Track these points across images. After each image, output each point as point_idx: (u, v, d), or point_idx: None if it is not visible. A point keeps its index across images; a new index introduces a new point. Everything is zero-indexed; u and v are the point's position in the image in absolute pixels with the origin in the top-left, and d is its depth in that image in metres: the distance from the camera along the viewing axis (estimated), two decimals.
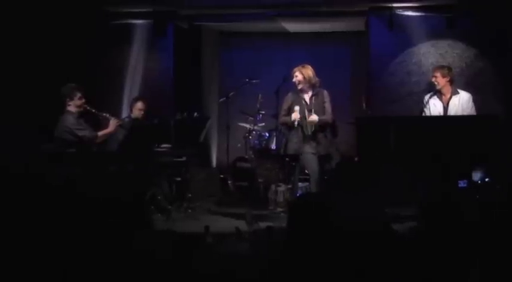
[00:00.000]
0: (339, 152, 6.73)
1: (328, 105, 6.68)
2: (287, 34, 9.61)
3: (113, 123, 6.82)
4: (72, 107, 6.63)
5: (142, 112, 7.54)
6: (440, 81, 6.66)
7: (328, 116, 6.66)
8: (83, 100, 6.66)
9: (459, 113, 6.54)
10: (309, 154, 6.57)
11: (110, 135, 7.00)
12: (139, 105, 7.57)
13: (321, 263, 2.99)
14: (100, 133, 6.75)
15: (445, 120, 6.47)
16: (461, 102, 6.58)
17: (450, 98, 6.62)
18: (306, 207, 3.28)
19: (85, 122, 6.73)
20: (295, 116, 6.52)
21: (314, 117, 6.55)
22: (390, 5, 7.82)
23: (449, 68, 6.85)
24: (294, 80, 6.67)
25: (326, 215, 3.19)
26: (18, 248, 3.54)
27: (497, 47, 7.65)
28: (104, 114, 6.83)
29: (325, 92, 6.71)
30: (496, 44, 7.64)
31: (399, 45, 8.00)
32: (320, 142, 6.61)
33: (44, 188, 4.84)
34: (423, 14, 7.81)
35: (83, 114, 6.72)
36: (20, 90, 7.21)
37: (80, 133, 6.55)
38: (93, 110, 6.73)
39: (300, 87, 6.66)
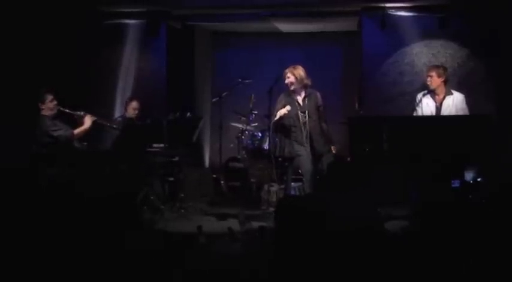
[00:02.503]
0: (332, 152, 6.75)
1: (323, 109, 6.70)
2: (280, 34, 9.60)
3: (87, 120, 6.81)
4: (46, 110, 6.66)
5: (137, 111, 7.57)
6: (435, 81, 6.64)
7: (326, 124, 6.74)
8: (55, 102, 6.68)
9: (453, 113, 6.53)
10: (303, 155, 6.55)
11: (103, 135, 7.00)
12: (134, 104, 7.59)
13: (311, 262, 3.00)
14: (76, 131, 6.75)
15: (437, 120, 6.47)
16: (455, 103, 6.57)
17: (444, 98, 6.61)
18: (292, 209, 3.29)
19: (61, 122, 6.74)
20: (283, 111, 6.50)
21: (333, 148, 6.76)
22: (383, 5, 7.83)
23: (445, 68, 6.83)
24: (286, 81, 6.62)
25: (313, 216, 3.19)
26: (11, 249, 3.54)
27: (489, 47, 7.66)
28: (78, 113, 6.84)
29: (318, 94, 6.69)
30: (488, 44, 7.66)
31: (392, 45, 8.02)
32: (314, 143, 6.61)
33: (36, 188, 4.83)
34: (416, 14, 7.82)
35: (58, 115, 6.73)
36: (13, 90, 7.20)
37: (56, 133, 6.58)
38: (67, 110, 6.75)
39: (292, 88, 6.60)
